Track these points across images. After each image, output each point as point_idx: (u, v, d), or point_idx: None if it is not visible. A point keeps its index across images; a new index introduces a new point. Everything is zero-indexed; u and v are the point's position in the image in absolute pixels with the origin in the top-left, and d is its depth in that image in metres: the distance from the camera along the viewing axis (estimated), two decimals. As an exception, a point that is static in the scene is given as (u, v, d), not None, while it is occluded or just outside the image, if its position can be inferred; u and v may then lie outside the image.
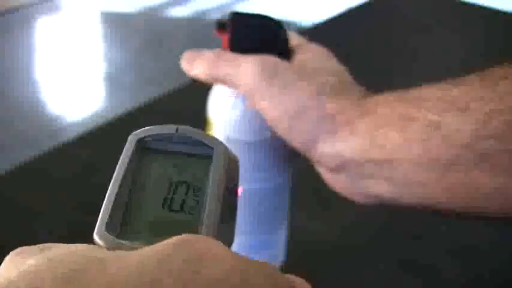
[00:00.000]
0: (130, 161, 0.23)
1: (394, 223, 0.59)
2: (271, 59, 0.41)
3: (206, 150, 0.24)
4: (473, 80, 0.35)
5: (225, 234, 0.22)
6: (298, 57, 0.42)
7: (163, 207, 0.23)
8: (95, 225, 0.22)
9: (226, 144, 0.24)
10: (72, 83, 2.32)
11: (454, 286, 0.53)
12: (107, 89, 2.36)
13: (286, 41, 0.42)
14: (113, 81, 2.39)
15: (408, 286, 0.53)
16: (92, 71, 2.42)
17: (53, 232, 0.56)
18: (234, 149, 0.40)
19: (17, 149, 1.87)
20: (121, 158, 0.23)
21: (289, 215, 0.49)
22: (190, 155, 0.24)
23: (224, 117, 0.43)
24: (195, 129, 0.24)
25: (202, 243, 0.19)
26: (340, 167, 0.39)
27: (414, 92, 0.37)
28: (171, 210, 0.22)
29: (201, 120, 0.42)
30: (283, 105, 0.39)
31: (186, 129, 0.24)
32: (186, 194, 0.23)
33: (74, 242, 0.21)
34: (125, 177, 0.23)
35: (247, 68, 0.40)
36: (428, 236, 0.58)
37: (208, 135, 0.24)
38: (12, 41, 2.64)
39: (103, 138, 0.72)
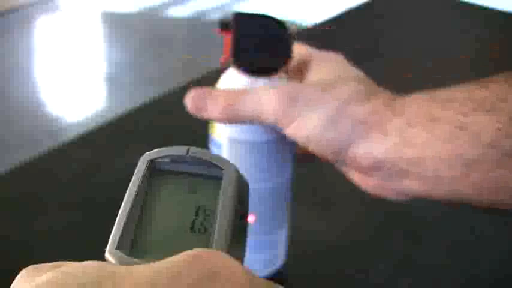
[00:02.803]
0: (142, 181, 0.24)
1: (394, 223, 0.59)
2: (289, 84, 0.41)
3: (217, 172, 0.24)
4: (500, 82, 0.37)
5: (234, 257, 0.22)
6: (315, 70, 0.43)
7: (173, 227, 0.23)
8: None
9: (227, 144, 0.24)
10: (72, 83, 2.32)
11: (453, 286, 0.53)
12: (107, 89, 2.36)
13: (289, 40, 0.42)
14: (113, 81, 2.39)
15: (408, 286, 0.53)
16: (92, 71, 2.43)
17: (53, 232, 0.56)
18: (235, 149, 0.40)
19: (17, 149, 1.88)
20: (133, 178, 0.24)
21: (289, 215, 0.49)
22: (200, 176, 0.24)
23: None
24: (206, 151, 0.25)
25: (215, 258, 0.19)
26: (375, 168, 0.39)
27: (442, 93, 0.38)
28: (181, 230, 0.23)
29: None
30: (312, 120, 0.39)
31: (196, 151, 0.24)
32: (197, 214, 0.23)
33: (73, 241, 0.21)
34: (136, 197, 0.23)
35: (269, 97, 0.40)
36: (428, 235, 0.58)
37: (219, 156, 0.25)
38: (12, 41, 2.64)
39: (103, 138, 0.72)
